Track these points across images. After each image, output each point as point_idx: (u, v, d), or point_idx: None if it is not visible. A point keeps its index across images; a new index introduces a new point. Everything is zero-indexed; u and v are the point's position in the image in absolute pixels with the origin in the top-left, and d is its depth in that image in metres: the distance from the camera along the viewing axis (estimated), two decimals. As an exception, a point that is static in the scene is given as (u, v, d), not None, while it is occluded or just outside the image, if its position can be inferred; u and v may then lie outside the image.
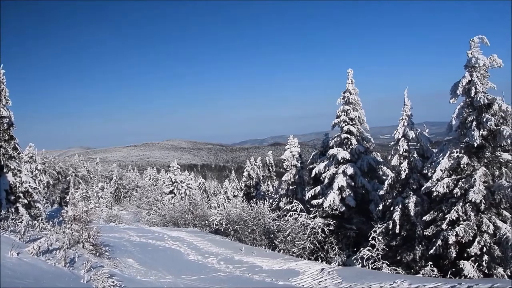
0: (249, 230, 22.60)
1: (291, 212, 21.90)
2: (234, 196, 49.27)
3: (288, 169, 29.46)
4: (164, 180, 52.55)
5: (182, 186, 46.02)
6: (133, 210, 50.69)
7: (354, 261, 18.45)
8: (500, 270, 14.59)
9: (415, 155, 19.02)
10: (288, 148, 29.86)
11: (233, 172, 72.45)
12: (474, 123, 15.54)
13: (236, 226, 23.15)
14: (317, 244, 21.01)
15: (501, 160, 15.47)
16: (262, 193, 43.61)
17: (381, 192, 19.67)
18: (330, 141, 24.47)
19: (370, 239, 18.01)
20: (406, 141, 19.16)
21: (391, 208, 18.85)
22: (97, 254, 13.80)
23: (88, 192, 48.15)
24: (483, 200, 14.99)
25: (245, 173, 47.76)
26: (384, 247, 17.73)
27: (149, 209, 43.09)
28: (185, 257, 17.81)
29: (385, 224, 18.63)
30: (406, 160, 18.95)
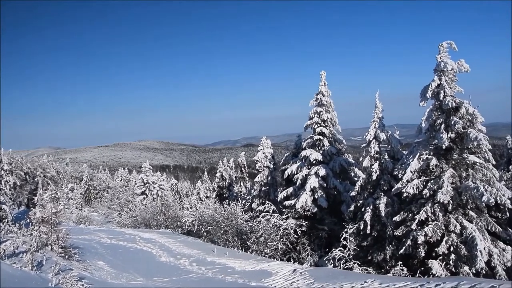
0: (222, 231, 22.54)
1: (263, 213, 21.96)
2: (207, 197, 49.13)
3: (260, 170, 29.52)
4: (135, 181, 51.88)
5: (154, 187, 45.50)
6: (104, 211, 49.81)
7: (326, 262, 18.63)
8: (466, 268, 14.98)
9: (386, 156, 19.34)
10: (261, 149, 29.92)
11: (205, 173, 72.09)
12: (443, 125, 15.94)
13: (208, 227, 23.05)
14: (290, 245, 21.13)
15: (468, 162, 15.91)
16: (234, 194, 43.55)
17: (353, 193, 19.94)
18: (302, 143, 24.62)
19: (341, 239, 18.21)
20: (377, 143, 19.46)
21: (362, 209, 19.11)
22: (66, 256, 13.55)
23: (57, 193, 47.09)
24: (450, 201, 15.38)
25: (218, 174, 47.62)
26: (355, 247, 17.96)
27: (120, 210, 42.49)
28: (157, 259, 17.65)
29: (357, 225, 18.89)
30: (377, 162, 19.25)
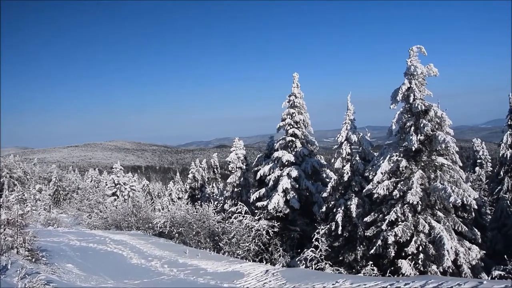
0: (194, 232, 22.40)
1: (236, 214, 21.94)
2: (179, 198, 48.78)
3: (233, 171, 29.48)
4: (106, 182, 51.06)
5: (125, 188, 44.88)
6: (74, 213, 48.76)
7: (298, 262, 18.74)
8: (434, 267, 15.35)
9: (357, 158, 19.60)
10: (234, 150, 29.89)
11: (178, 174, 71.52)
12: (413, 128, 16.28)
13: (180, 229, 22.88)
14: (262, 246, 21.17)
15: (436, 163, 16.31)
16: (207, 195, 43.37)
17: (325, 194, 20.13)
18: (275, 144, 24.70)
19: (313, 240, 18.35)
20: (349, 144, 19.70)
21: (334, 210, 19.32)
22: (33, 260, 13.22)
23: (24, 195, 45.96)
24: (419, 202, 15.71)
25: (190, 175, 47.34)
26: (327, 248, 18.14)
27: (90, 212, 41.66)
28: (127, 261, 17.41)
29: (328, 226, 19.08)
30: (349, 163, 19.49)
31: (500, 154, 26.43)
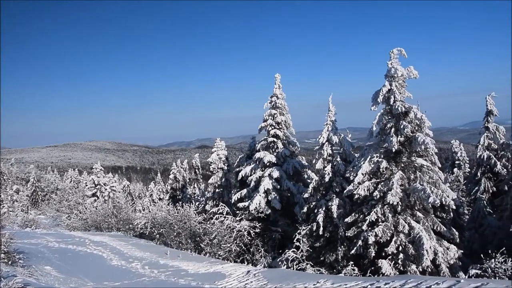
0: (175, 233, 22.26)
1: (217, 215, 21.88)
2: (160, 199, 48.47)
3: (214, 172, 29.42)
4: (86, 183, 50.37)
5: (106, 189, 44.39)
6: (52, 214, 48.02)
7: (280, 263, 18.78)
8: (413, 267, 15.56)
9: (338, 159, 19.73)
10: (215, 151, 29.83)
11: (159, 174, 71.09)
12: (393, 129, 16.48)
13: (161, 230, 22.71)
14: (243, 247, 21.16)
15: (416, 164, 16.53)
16: (188, 196, 43.19)
17: (306, 195, 20.22)
18: (256, 145, 24.72)
19: (295, 241, 18.42)
20: (330, 145, 19.83)
21: (315, 211, 19.42)
22: (10, 262, 12.98)
23: (0, 196, 45.06)
24: (399, 202, 15.90)
25: (171, 176, 47.06)
26: (308, 248, 18.22)
27: (69, 213, 41.04)
28: (107, 263, 17.19)
29: (310, 226, 19.17)
30: (330, 164, 19.62)
31: (477, 156, 26.89)
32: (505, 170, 25.57)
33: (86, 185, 48.31)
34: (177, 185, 46.68)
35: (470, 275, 14.66)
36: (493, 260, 14.41)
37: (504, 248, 15.42)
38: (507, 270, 13.86)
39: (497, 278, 13.69)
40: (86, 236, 24.12)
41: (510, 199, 19.16)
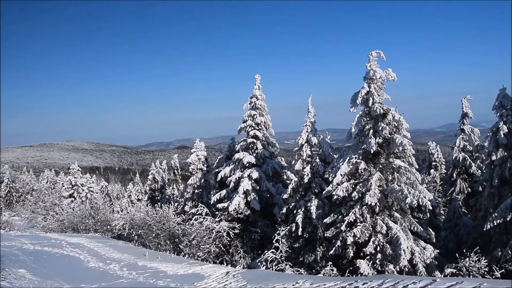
0: (154, 234, 22.08)
1: (196, 216, 21.78)
2: (138, 200, 47.97)
3: (194, 172, 29.31)
4: (63, 183, 49.62)
5: (83, 190, 43.78)
6: (27, 215, 47.08)
7: (259, 264, 18.80)
8: (391, 266, 15.76)
9: (318, 160, 19.85)
10: (195, 151, 29.72)
11: (137, 175, 70.49)
12: (371, 131, 16.66)
13: (140, 231, 22.50)
14: (223, 248, 21.12)
15: (394, 166, 16.75)
16: (167, 197, 42.89)
17: (285, 196, 20.28)
18: (236, 145, 24.71)
19: (274, 241, 18.45)
20: (309, 146, 19.92)
21: (294, 211, 19.49)
22: (-19, 266, 12.67)
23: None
24: (377, 203, 16.08)
25: (150, 176, 46.67)
26: (287, 249, 18.28)
27: (45, 214, 40.29)
28: (84, 265, 16.95)
29: (289, 227, 19.23)
30: (309, 165, 19.71)
31: (453, 157, 27.40)
32: (479, 171, 26.13)
33: (63, 186, 47.60)
34: (156, 186, 46.32)
35: (446, 274, 14.94)
36: (467, 259, 14.72)
37: (477, 247, 15.78)
38: (480, 269, 14.17)
39: (471, 276, 13.99)
40: (62, 237, 23.75)
41: (484, 200, 19.54)
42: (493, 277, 13.65)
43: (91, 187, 45.81)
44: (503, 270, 14.27)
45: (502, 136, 17.70)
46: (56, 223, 32.16)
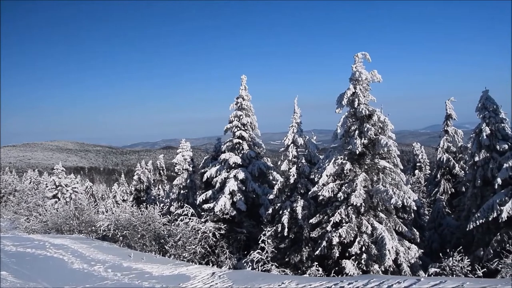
0: (139, 235, 21.94)
1: (182, 217, 21.70)
2: (124, 200, 47.62)
3: (179, 173, 29.20)
4: (47, 184, 48.96)
5: (67, 190, 43.32)
6: (10, 216, 46.36)
7: (245, 264, 18.79)
8: (376, 266, 15.88)
9: (303, 161, 19.91)
10: (180, 152, 29.62)
11: (122, 175, 70.01)
12: (357, 132, 16.77)
13: (125, 232, 22.33)
14: (208, 248, 21.06)
15: (379, 166, 16.88)
16: (152, 197, 42.65)
17: (271, 196, 20.29)
18: (222, 146, 24.67)
19: (260, 242, 18.45)
20: (295, 147, 19.97)
21: (280, 212, 19.52)
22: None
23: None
24: (363, 203, 16.18)
25: (136, 177, 46.35)
26: (273, 249, 18.30)
27: (28, 215, 39.73)
28: (68, 266, 16.75)
29: (274, 227, 19.25)
30: (295, 166, 19.76)
31: (437, 158, 27.73)
32: (462, 172, 26.48)
33: (47, 186, 47.00)
34: (141, 186, 46.02)
35: (430, 273, 15.11)
36: (451, 258, 14.89)
37: (461, 247, 15.98)
38: (463, 268, 14.35)
39: (454, 275, 14.16)
40: (46, 239, 23.44)
41: (467, 200, 19.81)
42: (476, 276, 13.83)
43: (75, 188, 45.36)
44: (485, 269, 14.48)
45: (485, 137, 17.99)
46: (39, 224, 31.77)
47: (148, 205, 24.00)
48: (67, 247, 20.50)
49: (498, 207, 16.08)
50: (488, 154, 18.30)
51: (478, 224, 16.91)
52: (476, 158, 18.50)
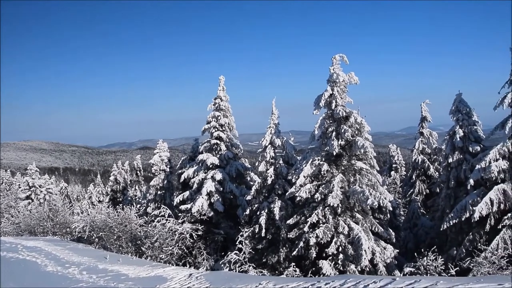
0: (115, 237, 21.65)
1: (159, 218, 21.50)
2: (100, 201, 47.05)
3: (156, 173, 28.93)
4: (20, 184, 47.94)
5: (41, 191, 42.46)
6: (-20, 218, 45.33)
7: (222, 265, 18.74)
8: (352, 266, 16.04)
9: (281, 162, 19.99)
10: (158, 152, 29.35)
11: (98, 176, 69.04)
12: (334, 133, 16.93)
13: (100, 233, 22.01)
14: (185, 250, 20.93)
15: (356, 167, 17.06)
16: (129, 198, 42.23)
17: (249, 197, 20.33)
18: (200, 147, 24.60)
19: (237, 243, 18.39)
20: (273, 148, 20.04)
21: (258, 213, 19.56)
22: None
23: None
24: (340, 204, 16.34)
25: (112, 178, 45.84)
26: (250, 250, 18.27)
27: (0, 217, 38.95)
28: (42, 269, 16.40)
29: (252, 228, 19.28)
30: (273, 167, 19.82)
31: (413, 159, 28.16)
32: (437, 173, 26.96)
33: (20, 187, 46.00)
34: (118, 187, 45.54)
35: (405, 273, 15.30)
36: (425, 258, 15.12)
37: (435, 246, 16.24)
38: (437, 267, 14.58)
39: (428, 274, 14.38)
40: (18, 241, 22.93)
41: (441, 201, 20.19)
42: (449, 274, 14.06)
43: (49, 189, 44.52)
44: (458, 268, 14.74)
45: (458, 139, 18.38)
46: (11, 226, 31.11)
47: (124, 206, 23.71)
48: (41, 249, 20.11)
49: (470, 207, 16.40)
50: (461, 156, 18.70)
51: (451, 224, 17.23)
52: (450, 160, 18.87)
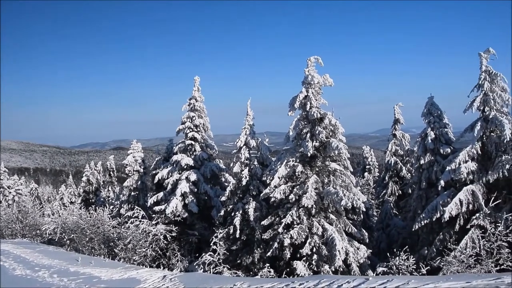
0: (87, 238, 21.32)
1: (132, 219, 21.25)
2: (71, 202, 46.03)
3: (130, 174, 28.59)
4: (-14, 186, 46.77)
5: (10, 192, 41.59)
6: None
7: (196, 267, 18.65)
8: (326, 267, 16.18)
9: (256, 163, 20.02)
10: (131, 153, 29.00)
11: (70, 177, 67.84)
12: (308, 134, 17.05)
13: (72, 235, 21.65)
14: (159, 251, 20.75)
15: (330, 169, 17.22)
16: (102, 199, 41.62)
17: (223, 198, 20.27)
18: (174, 147, 24.42)
19: (211, 244, 18.33)
20: (247, 149, 20.05)
21: (232, 214, 19.54)
22: None
23: None
24: (314, 205, 16.46)
25: (84, 178, 45.12)
26: (225, 251, 18.23)
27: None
28: (10, 273, 15.99)
29: (226, 229, 19.24)
30: (247, 168, 19.83)
31: (386, 161, 28.63)
32: (409, 174, 27.45)
33: (-13, 189, 44.92)
34: (90, 188, 44.86)
35: (378, 272, 15.50)
36: (397, 258, 15.35)
37: (407, 246, 16.50)
38: (409, 266, 14.82)
39: (400, 274, 14.60)
40: (-15, 244, 22.34)
41: (413, 201, 20.56)
42: (420, 273, 14.30)
43: (19, 190, 43.64)
44: (429, 267, 15.01)
45: (430, 141, 18.76)
46: (-22, 229, 30.29)
47: (97, 207, 23.38)
48: (9, 252, 19.63)
49: (441, 208, 16.72)
50: (432, 158, 19.09)
51: (423, 224, 17.52)
52: (422, 161, 19.25)
